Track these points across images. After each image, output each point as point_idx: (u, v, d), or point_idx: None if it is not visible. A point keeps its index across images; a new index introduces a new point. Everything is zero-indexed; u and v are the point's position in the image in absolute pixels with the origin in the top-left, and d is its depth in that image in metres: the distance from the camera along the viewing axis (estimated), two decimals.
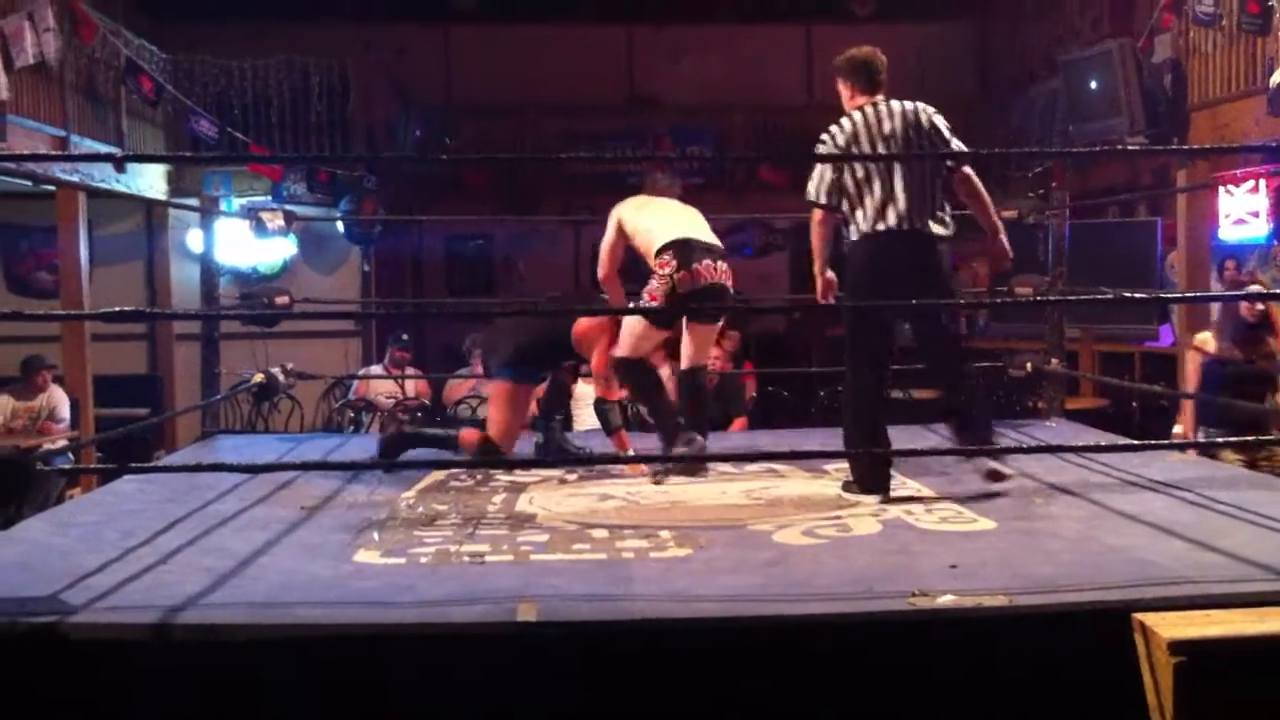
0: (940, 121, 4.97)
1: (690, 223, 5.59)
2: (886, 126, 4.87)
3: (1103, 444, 5.66)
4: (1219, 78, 8.89)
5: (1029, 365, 6.95)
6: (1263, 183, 9.74)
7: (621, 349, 5.50)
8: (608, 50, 15.02)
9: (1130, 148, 8.95)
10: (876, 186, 4.80)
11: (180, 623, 3.19)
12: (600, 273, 5.83)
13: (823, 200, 4.90)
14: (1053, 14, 12.82)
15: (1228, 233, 10.08)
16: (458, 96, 14.52)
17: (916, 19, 14.65)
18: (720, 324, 6.04)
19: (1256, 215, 9.93)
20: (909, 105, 4.94)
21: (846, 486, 4.94)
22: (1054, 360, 6.92)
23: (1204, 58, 9.10)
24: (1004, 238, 5.09)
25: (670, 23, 15.00)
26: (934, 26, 14.71)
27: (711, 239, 5.54)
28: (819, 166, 4.94)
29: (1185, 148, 9.12)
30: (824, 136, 4.96)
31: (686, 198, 5.92)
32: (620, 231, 5.67)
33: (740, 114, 14.27)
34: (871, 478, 4.84)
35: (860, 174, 4.82)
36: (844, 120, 4.93)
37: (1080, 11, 12.33)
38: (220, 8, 12.47)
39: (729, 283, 5.49)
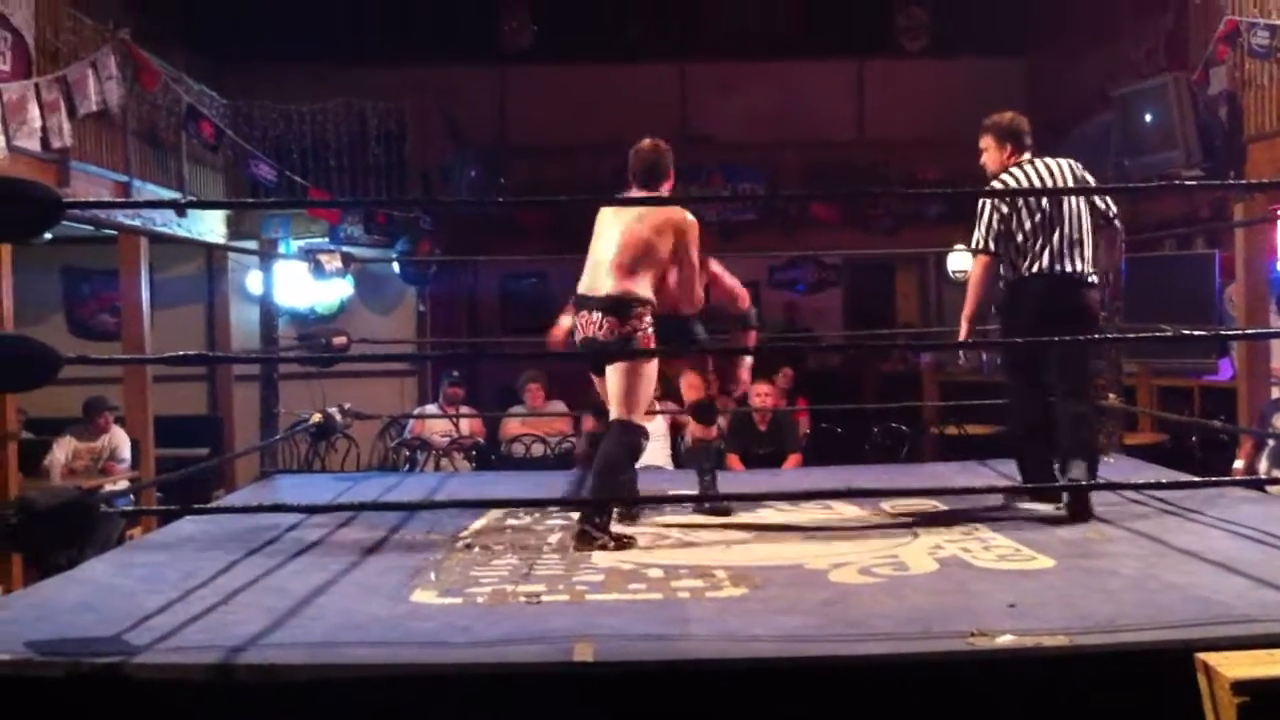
0: (1089, 177, 5.42)
1: (595, 265, 5.18)
2: (1057, 178, 5.22)
3: (1163, 480, 5.59)
4: (1275, 110, 8.80)
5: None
6: None
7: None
8: (660, 88, 15.09)
9: (1187, 182, 8.86)
10: (1048, 234, 5.13)
11: (241, 663, 3.23)
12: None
13: (992, 247, 5.21)
14: (1106, 47, 12.76)
15: None
16: (512, 137, 14.66)
17: (968, 53, 14.65)
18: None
19: None
20: (1063, 161, 5.30)
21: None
22: (1111, 395, 6.87)
23: (1260, 90, 9.02)
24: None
25: (721, 59, 15.07)
26: (985, 61, 14.68)
27: (600, 284, 5.08)
28: (988, 215, 5.19)
29: (1243, 182, 9.02)
30: (996, 186, 5.26)
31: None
32: None
33: (792, 150, 14.29)
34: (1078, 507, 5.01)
35: (1031, 222, 5.15)
36: (1014, 173, 5.25)
37: (1134, 44, 12.26)
38: (279, 54, 12.65)
39: (600, 335, 5.03)
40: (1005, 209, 5.17)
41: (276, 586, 4.17)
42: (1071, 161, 5.32)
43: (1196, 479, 5.79)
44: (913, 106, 14.54)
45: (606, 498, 4.94)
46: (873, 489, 5.63)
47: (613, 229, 5.10)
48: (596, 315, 5.00)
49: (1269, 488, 6.37)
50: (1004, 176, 5.27)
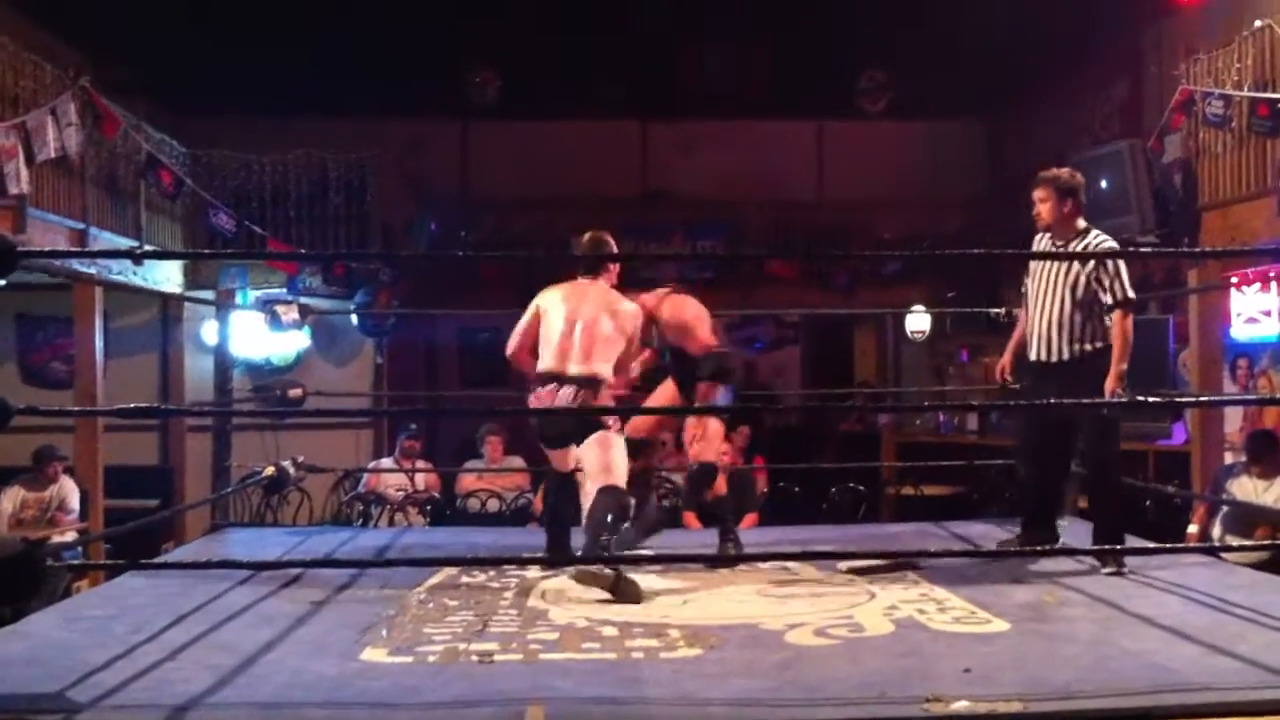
0: None
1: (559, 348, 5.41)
2: None
3: (1116, 546, 5.61)
4: (1229, 178, 8.92)
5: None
6: (1274, 283, 9.74)
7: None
8: (623, 145, 15.15)
9: (1143, 249, 8.96)
10: None
11: None
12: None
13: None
14: (1064, 113, 12.95)
15: (1240, 331, 10.07)
16: (475, 190, 14.64)
17: (928, 117, 14.81)
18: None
19: (1269, 314, 9.92)
20: None
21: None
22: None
23: (1214, 158, 9.14)
24: None
25: (684, 117, 15.16)
26: (945, 124, 14.84)
27: (569, 366, 5.33)
28: (1123, 268, 5.30)
29: (1197, 250, 9.12)
30: (1112, 244, 5.55)
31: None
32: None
33: (753, 208, 14.36)
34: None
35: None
36: (1104, 234, 5.50)
37: (1091, 110, 12.45)
38: (241, 104, 12.60)
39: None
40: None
41: (224, 643, 4.11)
42: None
43: (1150, 545, 5.82)
44: (872, 167, 14.67)
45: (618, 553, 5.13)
46: (845, 552, 5.61)
47: (574, 313, 5.41)
48: (568, 389, 5.25)
49: (1223, 553, 6.43)
50: (1107, 237, 5.50)
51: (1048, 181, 5.47)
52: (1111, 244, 5.48)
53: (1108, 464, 5.47)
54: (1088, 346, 5.34)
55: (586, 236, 5.76)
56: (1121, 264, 5.27)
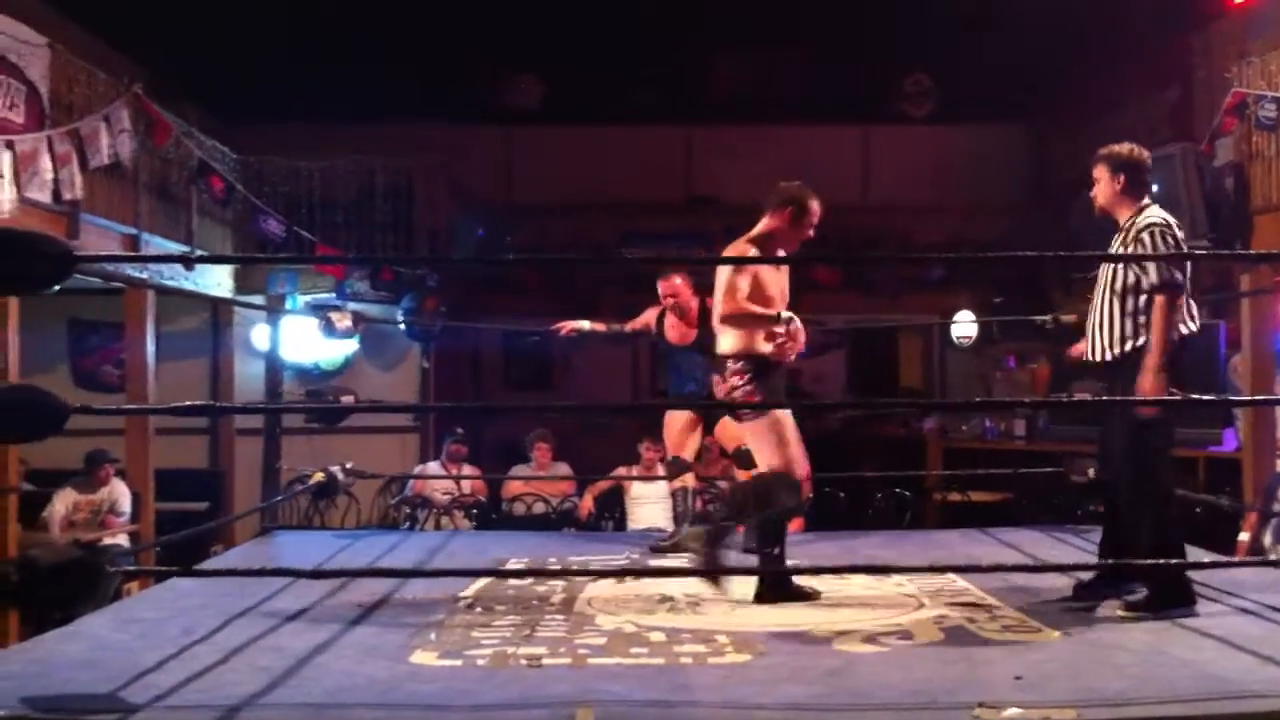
0: None
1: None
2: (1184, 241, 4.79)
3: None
4: None
5: (1090, 471, 6.84)
6: None
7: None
8: (665, 150, 15.16)
9: (1196, 251, 8.86)
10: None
11: None
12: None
13: (1179, 279, 4.62)
14: (1112, 117, 12.84)
15: None
16: (518, 196, 14.70)
17: (973, 121, 14.73)
18: None
19: None
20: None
21: (1133, 606, 4.58)
22: None
23: (1267, 162, 9.06)
24: None
25: (726, 123, 15.15)
26: (990, 128, 14.76)
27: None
28: (1163, 244, 4.63)
29: (1250, 252, 9.04)
30: (1166, 221, 4.70)
31: None
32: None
33: None
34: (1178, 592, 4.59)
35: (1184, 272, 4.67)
36: (1163, 213, 4.76)
37: (1140, 115, 12.34)
38: (289, 110, 12.72)
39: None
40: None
41: (275, 645, 4.15)
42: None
43: (1205, 560, 5.70)
44: (916, 172, 14.62)
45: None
46: (904, 566, 5.58)
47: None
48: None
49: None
50: (1161, 213, 4.75)
51: (1103, 158, 4.90)
52: (1162, 219, 4.70)
53: (1147, 473, 4.69)
54: (1127, 345, 4.68)
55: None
56: (1166, 240, 4.62)
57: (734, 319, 5.07)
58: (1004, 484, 10.06)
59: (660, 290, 6.59)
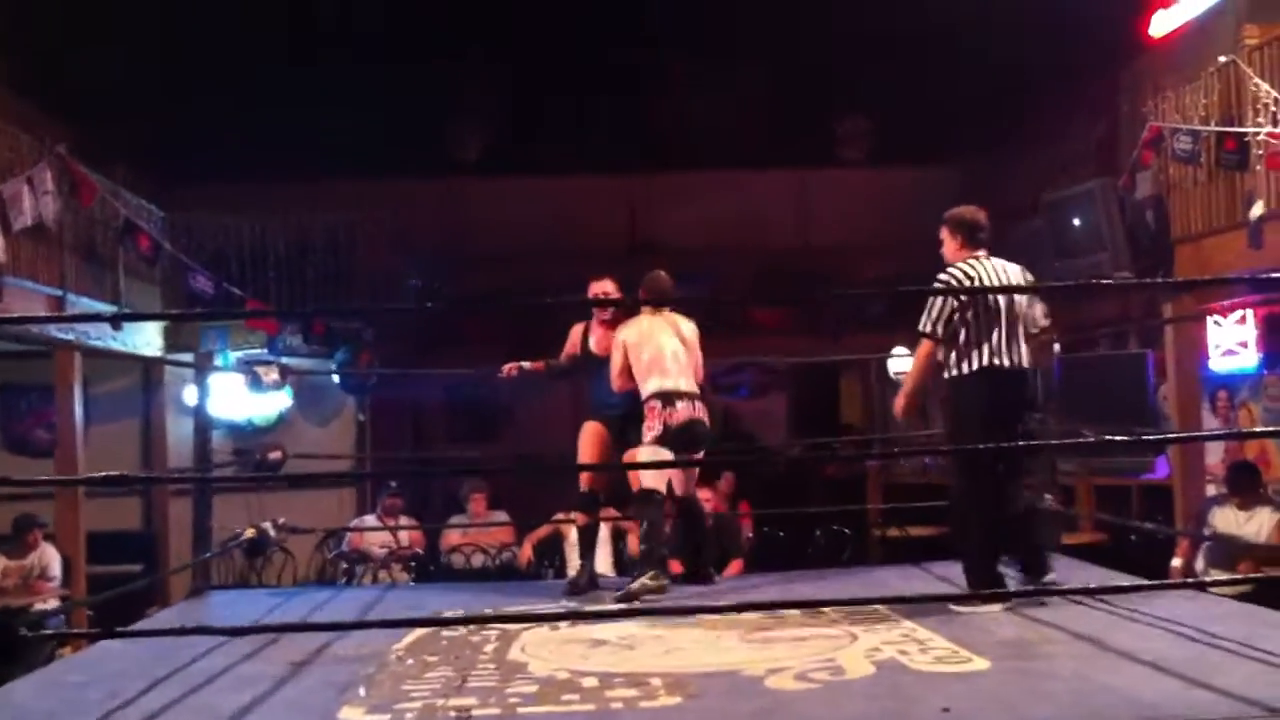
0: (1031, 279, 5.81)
1: (673, 365, 6.45)
2: (1003, 278, 5.48)
3: (1093, 585, 5.62)
4: (1200, 213, 8.98)
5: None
6: (1250, 313, 9.80)
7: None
8: (608, 199, 15.21)
9: (1115, 280, 9.00)
10: (988, 331, 5.40)
11: None
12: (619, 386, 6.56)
13: (937, 333, 5.46)
14: (1044, 154, 13.05)
15: (1218, 364, 10.11)
16: (461, 248, 14.64)
17: (905, 163, 14.92)
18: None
19: (1246, 346, 9.98)
20: (1013, 267, 5.58)
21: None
22: (1048, 497, 6.89)
23: (1185, 194, 9.21)
24: None
25: (668, 169, 15.24)
26: (922, 170, 14.93)
27: (682, 383, 6.44)
28: (937, 303, 5.46)
29: (1168, 280, 9.19)
30: (944, 278, 5.48)
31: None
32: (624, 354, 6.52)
33: (738, 257, 14.42)
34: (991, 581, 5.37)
35: (984, 315, 5.40)
36: (962, 267, 5.49)
37: (1069, 151, 12.54)
38: (220, 169, 12.64)
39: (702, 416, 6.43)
40: (955, 302, 5.41)
41: (202, 706, 4.08)
42: (1021, 268, 5.61)
43: (1128, 584, 5.80)
44: (854, 213, 14.78)
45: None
46: (820, 600, 5.60)
47: (669, 339, 6.50)
48: (699, 404, 6.42)
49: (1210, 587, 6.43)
50: (953, 270, 5.50)
51: (945, 220, 5.70)
52: (944, 276, 5.55)
53: (962, 496, 5.57)
54: (945, 374, 5.54)
55: (662, 274, 6.81)
56: (938, 298, 5.46)
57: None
58: (942, 518, 10.11)
59: (591, 290, 7.00)
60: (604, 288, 6.99)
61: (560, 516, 9.39)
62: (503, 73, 15.15)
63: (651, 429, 6.29)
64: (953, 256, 5.61)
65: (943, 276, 5.49)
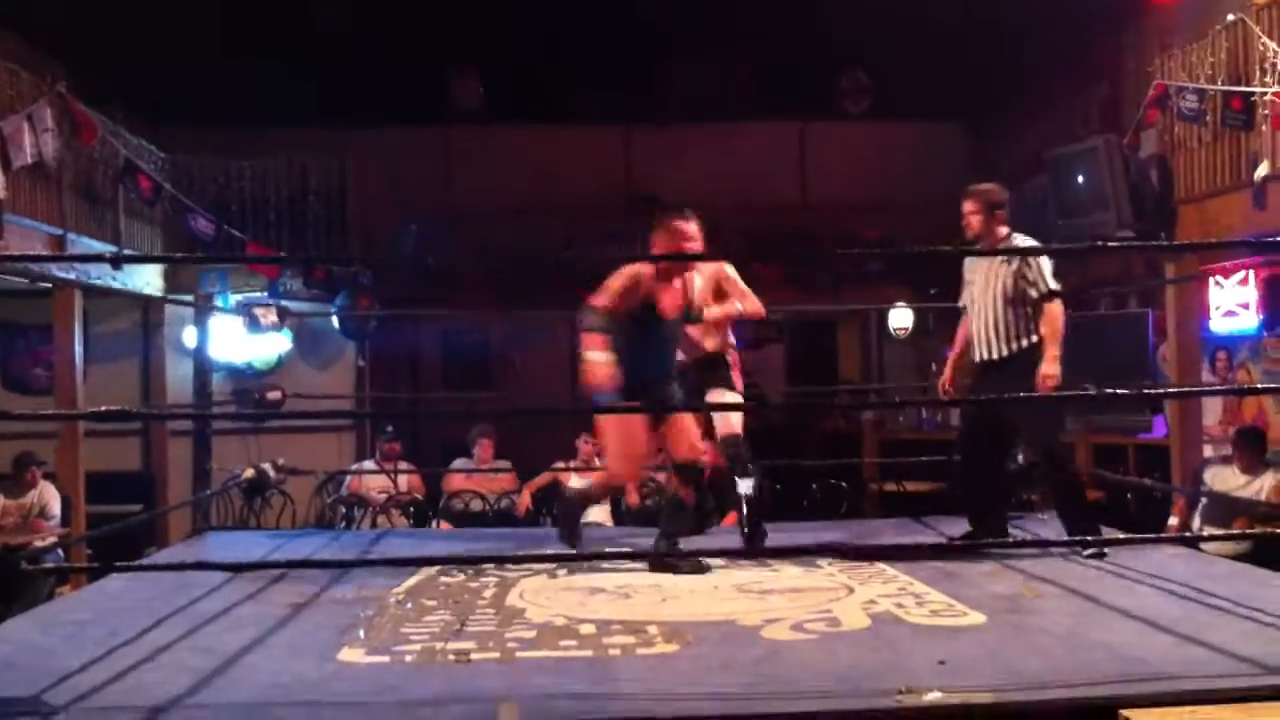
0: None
1: None
2: None
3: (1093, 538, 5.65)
4: (1205, 173, 8.97)
5: (1020, 458, 6.93)
6: (1251, 275, 9.80)
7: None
8: (606, 150, 15.17)
9: (1112, 244, 8.97)
10: None
11: None
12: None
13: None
14: (1046, 112, 12.99)
15: (1218, 325, 10.13)
16: (457, 196, 14.61)
17: (909, 117, 14.84)
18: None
19: (1246, 307, 9.98)
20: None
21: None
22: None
23: (1189, 153, 9.19)
24: None
25: (666, 123, 15.16)
26: (926, 125, 14.89)
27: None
28: (1046, 264, 5.66)
29: (1170, 243, 9.17)
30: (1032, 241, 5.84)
31: None
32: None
33: (736, 210, 14.38)
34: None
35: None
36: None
37: (1072, 109, 12.49)
38: (220, 112, 12.57)
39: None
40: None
41: (203, 645, 4.11)
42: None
43: (1124, 536, 5.90)
44: (855, 168, 14.72)
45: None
46: (817, 546, 5.64)
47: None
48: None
49: (1203, 544, 6.48)
50: (1028, 239, 5.83)
51: (977, 195, 5.82)
52: (1032, 241, 5.84)
53: (1053, 455, 5.76)
54: (1022, 342, 5.65)
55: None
56: (1043, 260, 5.65)
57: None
58: (938, 473, 10.16)
59: (676, 226, 5.61)
60: (691, 228, 5.67)
61: (559, 465, 9.43)
62: (502, 22, 15.04)
63: (740, 376, 6.52)
64: (982, 229, 5.78)
65: (1031, 241, 5.81)
